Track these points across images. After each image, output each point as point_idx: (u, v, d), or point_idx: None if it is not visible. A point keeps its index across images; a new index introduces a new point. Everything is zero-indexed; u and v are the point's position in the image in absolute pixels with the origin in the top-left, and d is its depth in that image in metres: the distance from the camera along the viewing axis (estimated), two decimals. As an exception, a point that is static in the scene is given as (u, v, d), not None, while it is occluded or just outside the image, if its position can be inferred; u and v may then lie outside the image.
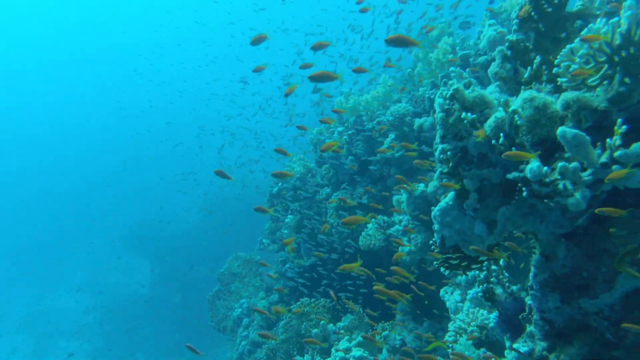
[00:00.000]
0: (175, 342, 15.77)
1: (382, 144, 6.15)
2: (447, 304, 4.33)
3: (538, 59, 2.14)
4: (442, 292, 4.47)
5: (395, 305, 4.68)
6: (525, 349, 2.14)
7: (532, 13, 2.25)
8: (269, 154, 15.44)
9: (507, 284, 2.42)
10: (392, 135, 6.01)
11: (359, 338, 4.58)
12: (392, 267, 4.08)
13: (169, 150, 24.65)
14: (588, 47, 1.70)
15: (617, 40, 1.63)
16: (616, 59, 1.67)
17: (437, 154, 1.98)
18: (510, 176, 1.77)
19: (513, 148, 1.76)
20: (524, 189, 1.74)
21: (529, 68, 2.14)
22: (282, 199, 7.50)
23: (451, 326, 3.83)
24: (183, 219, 19.73)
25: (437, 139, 1.99)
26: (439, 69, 5.95)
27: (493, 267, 2.51)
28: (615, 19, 1.63)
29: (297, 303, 5.35)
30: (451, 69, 2.15)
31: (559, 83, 1.91)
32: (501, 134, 1.75)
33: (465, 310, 3.90)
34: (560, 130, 1.65)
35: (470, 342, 3.08)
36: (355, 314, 5.07)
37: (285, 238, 7.15)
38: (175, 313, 16.15)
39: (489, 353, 3.02)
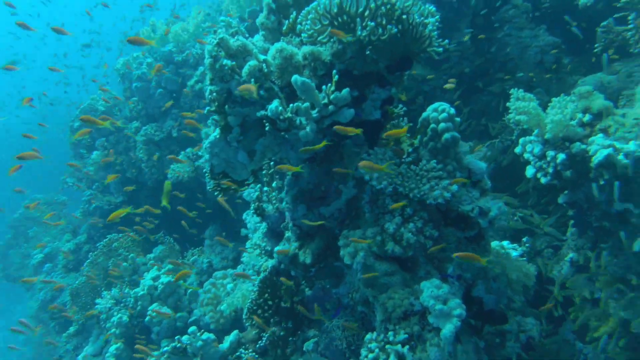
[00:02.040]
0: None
1: (193, 76, 6.19)
2: (249, 225, 4.90)
3: (294, 14, 2.56)
4: (244, 215, 5.01)
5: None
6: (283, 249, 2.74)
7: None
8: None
9: (274, 201, 2.98)
10: (201, 68, 6.08)
11: (169, 265, 4.89)
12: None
13: None
14: (315, 12, 2.16)
15: (334, 9, 2.12)
16: (335, 23, 2.17)
17: (206, 94, 2.28)
18: (258, 114, 2.19)
19: (261, 91, 2.17)
20: (267, 124, 2.19)
21: (286, 21, 2.55)
22: (86, 135, 6.97)
23: (248, 243, 4.42)
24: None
25: (207, 81, 2.27)
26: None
27: (265, 188, 3.03)
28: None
29: (105, 239, 5.29)
30: (221, 18, 2.40)
31: (302, 37, 2.36)
32: (252, 80, 2.13)
33: (262, 229, 4.51)
34: (293, 78, 2.11)
35: (257, 252, 3.67)
36: (166, 244, 5.32)
37: (91, 175, 6.79)
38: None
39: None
